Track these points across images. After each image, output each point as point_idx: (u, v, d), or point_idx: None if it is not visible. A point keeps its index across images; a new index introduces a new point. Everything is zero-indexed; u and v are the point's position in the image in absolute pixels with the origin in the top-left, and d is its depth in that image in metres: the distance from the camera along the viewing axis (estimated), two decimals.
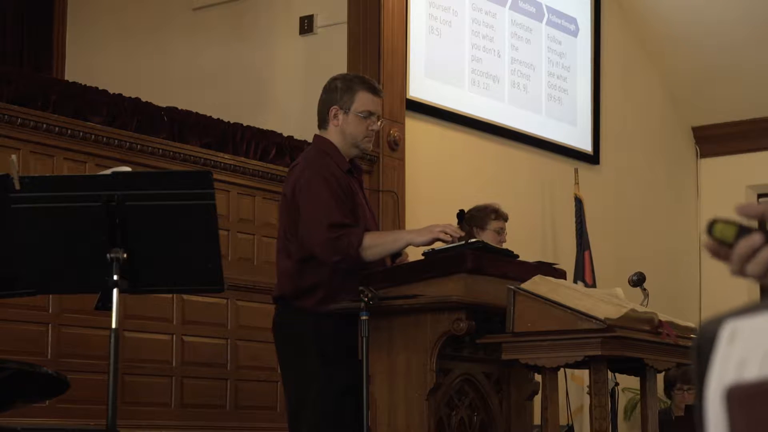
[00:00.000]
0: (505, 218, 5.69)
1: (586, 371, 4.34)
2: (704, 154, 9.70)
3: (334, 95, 4.28)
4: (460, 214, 5.61)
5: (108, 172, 3.60)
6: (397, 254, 4.32)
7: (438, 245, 4.23)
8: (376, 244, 4.09)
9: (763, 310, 0.81)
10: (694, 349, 0.84)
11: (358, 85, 4.29)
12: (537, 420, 4.36)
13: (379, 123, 4.31)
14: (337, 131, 4.27)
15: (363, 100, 4.26)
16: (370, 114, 4.26)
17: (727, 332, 0.81)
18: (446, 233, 4.10)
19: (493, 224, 5.62)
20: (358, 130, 4.25)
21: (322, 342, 4.11)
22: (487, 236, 5.39)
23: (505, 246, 4.89)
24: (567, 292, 3.99)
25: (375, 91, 4.31)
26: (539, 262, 4.65)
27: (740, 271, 0.78)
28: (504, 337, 3.96)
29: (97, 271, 3.29)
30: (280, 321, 4.26)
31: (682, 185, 9.60)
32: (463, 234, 4.20)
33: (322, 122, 4.32)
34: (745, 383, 0.78)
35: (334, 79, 4.36)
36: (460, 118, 7.47)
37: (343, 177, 4.22)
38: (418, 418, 4.03)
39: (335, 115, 4.26)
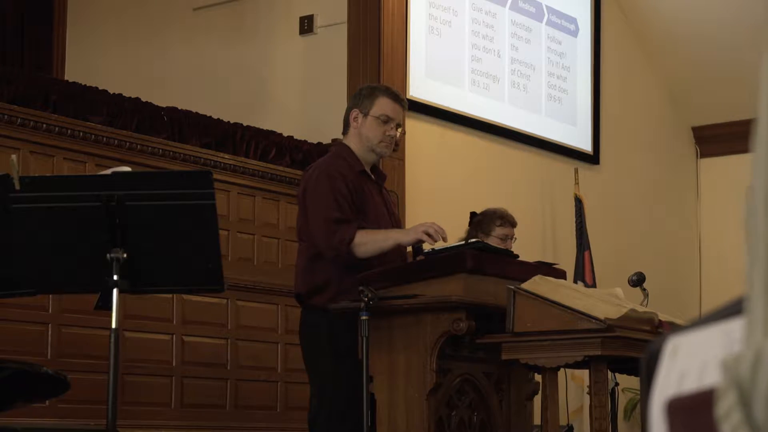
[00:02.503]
0: (512, 224, 5.56)
1: (586, 371, 4.34)
2: (704, 154, 9.70)
3: (357, 100, 4.43)
4: (471, 216, 5.59)
5: (108, 172, 3.60)
6: (419, 251, 4.38)
7: (439, 245, 4.27)
8: (366, 242, 4.16)
9: (702, 325, 0.84)
10: (641, 367, 0.87)
11: (380, 91, 4.44)
12: (537, 420, 4.36)
13: (398, 131, 4.41)
14: (355, 134, 4.39)
15: (382, 105, 4.37)
16: (389, 119, 4.37)
17: (669, 348, 0.84)
18: (428, 234, 4.14)
19: (498, 230, 5.50)
20: (374, 133, 4.35)
21: (335, 340, 4.18)
22: (492, 242, 5.34)
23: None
24: (567, 292, 3.99)
25: (396, 99, 4.43)
26: (539, 262, 4.65)
27: None
28: (504, 337, 3.96)
29: (97, 271, 3.29)
30: (301, 320, 4.39)
31: (682, 185, 9.60)
32: (446, 236, 4.23)
33: (345, 127, 4.45)
34: (683, 395, 0.80)
35: (361, 87, 4.55)
36: (460, 118, 7.47)
37: (353, 177, 4.30)
38: (418, 418, 4.03)
39: (355, 118, 4.39)
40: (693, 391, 0.80)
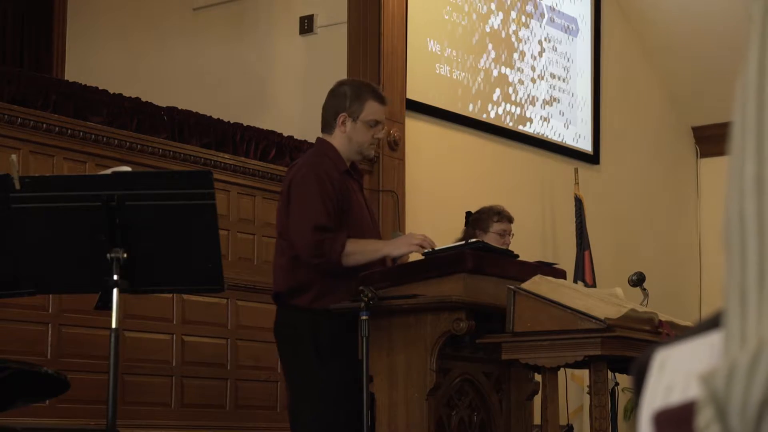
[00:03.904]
0: (509, 220, 5.61)
1: (586, 371, 4.34)
2: (704, 154, 9.70)
3: (343, 102, 4.32)
4: (467, 216, 5.61)
5: (108, 172, 3.60)
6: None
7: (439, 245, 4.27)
8: (356, 252, 4.12)
9: (689, 338, 0.85)
10: (632, 380, 0.89)
11: (367, 93, 4.34)
12: (537, 420, 4.36)
13: (383, 131, 4.41)
14: (343, 137, 4.31)
15: (371, 109, 4.32)
16: (377, 123, 4.34)
17: (657, 361, 0.85)
18: (421, 246, 4.14)
19: (496, 226, 5.54)
20: (365, 137, 4.31)
21: (317, 340, 4.13)
22: (490, 239, 5.35)
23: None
24: (567, 292, 3.99)
25: (383, 101, 4.39)
26: (539, 262, 4.65)
27: None
28: (504, 337, 3.96)
29: (97, 271, 3.29)
30: (278, 320, 4.30)
31: (682, 185, 9.60)
32: (435, 247, 4.22)
33: (327, 126, 4.36)
34: (669, 407, 0.82)
35: (341, 84, 4.42)
36: (460, 118, 7.47)
37: (339, 177, 4.26)
38: (418, 418, 4.03)
39: (343, 122, 4.30)
40: (678, 403, 0.81)
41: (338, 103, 4.33)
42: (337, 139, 4.32)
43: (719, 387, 0.73)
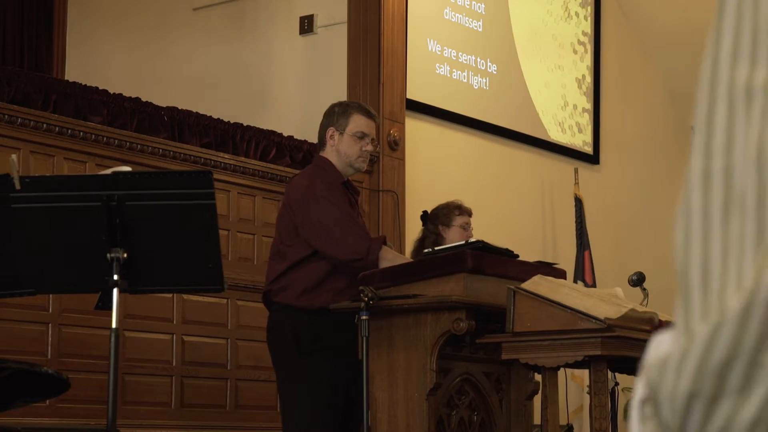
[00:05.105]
0: (469, 213, 5.69)
1: (586, 371, 4.34)
2: None
3: (332, 118, 4.57)
4: (423, 216, 5.68)
5: (108, 172, 3.60)
6: None
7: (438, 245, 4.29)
8: (389, 259, 4.28)
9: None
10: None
11: (353, 109, 4.60)
12: (537, 420, 4.36)
13: (372, 145, 4.57)
14: (333, 151, 4.53)
15: (357, 122, 4.52)
16: (364, 135, 4.53)
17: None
18: None
19: (458, 220, 5.59)
20: (352, 149, 4.50)
21: (300, 337, 4.26)
22: (454, 233, 5.40)
23: (503, 245, 4.88)
24: (567, 292, 3.99)
25: (369, 115, 4.59)
26: (539, 262, 4.65)
27: None
28: (504, 337, 3.96)
29: (97, 271, 3.30)
30: (268, 321, 4.44)
31: (682, 185, 9.59)
32: None
33: (321, 144, 4.58)
34: None
35: (333, 105, 4.66)
36: (460, 117, 7.47)
37: (339, 188, 4.45)
38: (418, 418, 4.03)
39: (331, 136, 4.53)
40: None
41: (328, 120, 4.58)
42: (330, 154, 4.53)
43: (654, 378, 0.74)
